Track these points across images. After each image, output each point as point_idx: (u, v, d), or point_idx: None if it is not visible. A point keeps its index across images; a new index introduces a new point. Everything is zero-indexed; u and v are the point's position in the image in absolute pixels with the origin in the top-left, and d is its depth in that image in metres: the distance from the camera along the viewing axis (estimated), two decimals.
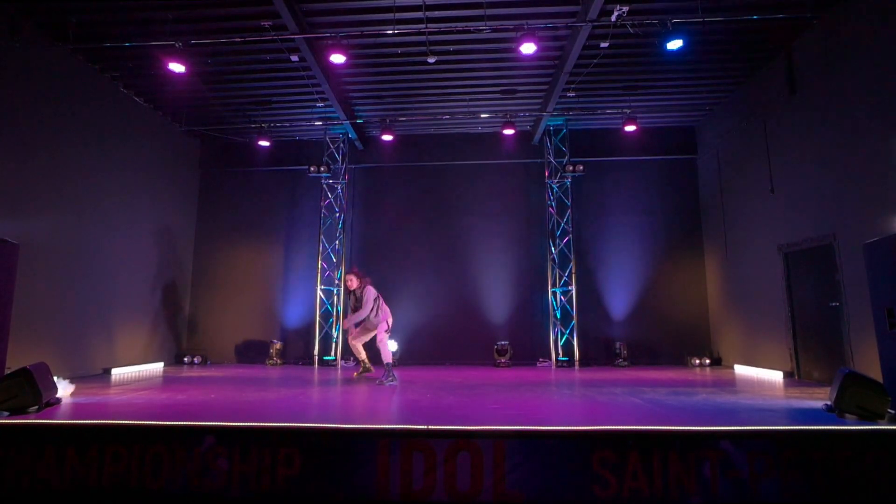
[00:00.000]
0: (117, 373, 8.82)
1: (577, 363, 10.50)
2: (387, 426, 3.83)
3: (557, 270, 10.99)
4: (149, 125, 10.40)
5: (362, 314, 7.39)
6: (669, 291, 11.11)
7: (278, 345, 11.05)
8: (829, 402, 4.95)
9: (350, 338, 7.77)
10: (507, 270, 11.44)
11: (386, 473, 3.60)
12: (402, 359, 10.80)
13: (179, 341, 11.34)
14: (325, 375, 8.82)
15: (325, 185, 11.49)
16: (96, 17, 7.53)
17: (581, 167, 10.77)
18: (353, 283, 7.50)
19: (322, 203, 11.50)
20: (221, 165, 12.12)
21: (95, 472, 3.77)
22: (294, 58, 8.48)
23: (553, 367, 10.48)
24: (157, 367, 10.07)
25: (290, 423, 4.02)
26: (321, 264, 11.31)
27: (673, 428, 3.81)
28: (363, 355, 7.85)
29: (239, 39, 7.93)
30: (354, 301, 7.53)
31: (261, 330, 11.54)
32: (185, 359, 10.91)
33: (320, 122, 11.00)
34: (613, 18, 7.21)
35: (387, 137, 10.70)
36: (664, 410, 4.97)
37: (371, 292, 7.46)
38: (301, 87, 9.64)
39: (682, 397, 5.87)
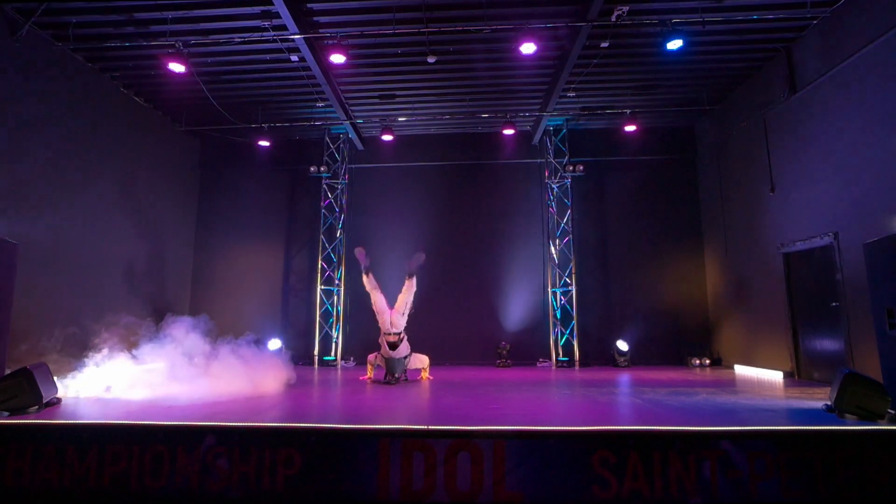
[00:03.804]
0: None
1: (577, 363, 10.50)
2: (387, 426, 3.83)
3: (557, 270, 10.99)
4: (149, 125, 10.40)
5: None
6: (669, 291, 11.10)
7: (278, 345, 11.04)
8: (829, 402, 4.95)
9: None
10: (507, 270, 11.44)
11: (386, 473, 3.59)
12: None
13: None
14: (325, 376, 8.82)
15: (325, 185, 11.49)
16: (96, 17, 7.54)
17: (581, 167, 10.77)
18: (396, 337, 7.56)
19: (322, 203, 11.50)
20: (221, 165, 12.12)
21: (95, 472, 3.76)
22: (294, 58, 8.48)
23: (553, 367, 10.48)
24: (156, 368, 10.04)
25: (290, 423, 4.02)
26: (321, 264, 11.31)
27: (673, 428, 3.80)
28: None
29: (239, 39, 7.94)
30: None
31: (260, 330, 11.52)
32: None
33: (320, 122, 11.00)
34: (613, 18, 7.22)
35: (387, 137, 10.71)
36: (664, 410, 4.97)
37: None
38: (301, 87, 9.64)
39: (682, 397, 5.87)
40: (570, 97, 9.85)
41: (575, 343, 10.64)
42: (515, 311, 11.30)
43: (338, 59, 7.66)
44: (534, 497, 3.52)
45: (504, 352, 10.60)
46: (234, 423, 3.92)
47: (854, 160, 6.88)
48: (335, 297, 11.26)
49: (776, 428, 3.82)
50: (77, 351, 6.58)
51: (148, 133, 10.36)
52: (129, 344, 6.70)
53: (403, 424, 3.95)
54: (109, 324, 6.77)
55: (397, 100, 10.24)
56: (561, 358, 10.57)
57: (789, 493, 3.52)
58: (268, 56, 8.56)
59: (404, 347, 7.58)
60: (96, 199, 8.93)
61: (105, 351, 6.39)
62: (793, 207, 8.17)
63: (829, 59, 7.35)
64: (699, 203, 11.35)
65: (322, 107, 10.34)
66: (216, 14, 7.51)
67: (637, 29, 7.59)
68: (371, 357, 7.94)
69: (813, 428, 3.84)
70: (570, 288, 10.86)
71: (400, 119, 10.92)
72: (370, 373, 7.83)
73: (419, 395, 6.20)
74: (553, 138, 11.27)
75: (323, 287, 11.22)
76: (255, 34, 7.80)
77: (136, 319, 7.08)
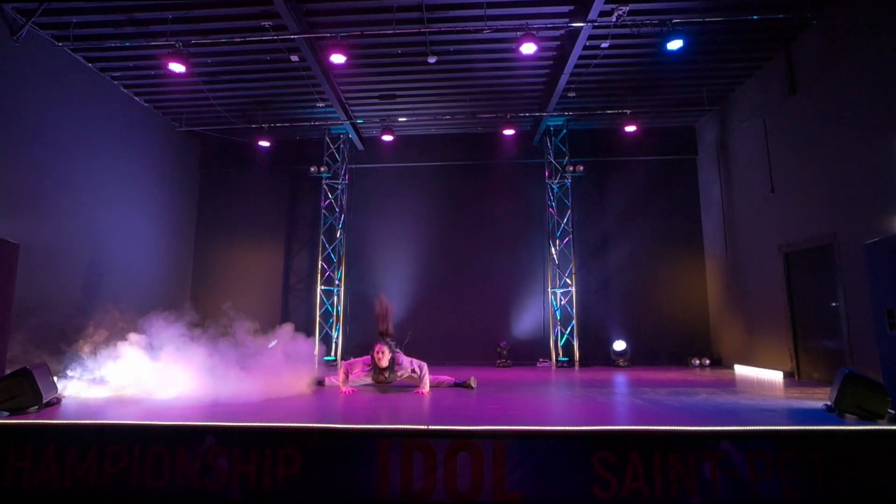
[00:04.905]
0: None
1: (577, 363, 10.50)
2: (387, 426, 3.83)
3: (557, 270, 10.99)
4: (149, 125, 10.40)
5: (426, 377, 6.31)
6: (669, 291, 11.10)
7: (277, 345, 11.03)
8: (829, 402, 4.95)
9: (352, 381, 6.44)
10: (507, 271, 11.44)
11: (386, 473, 3.59)
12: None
13: None
14: (324, 376, 8.79)
15: (325, 186, 11.50)
16: (96, 17, 7.54)
17: (581, 167, 10.78)
18: (386, 356, 6.22)
19: (322, 203, 11.50)
20: (221, 165, 12.12)
21: (95, 472, 3.76)
22: (294, 58, 8.48)
23: (553, 367, 10.48)
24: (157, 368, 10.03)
25: (290, 423, 4.02)
26: (321, 264, 11.31)
27: (673, 428, 3.80)
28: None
29: (239, 39, 7.94)
30: (389, 374, 6.33)
31: (260, 330, 11.51)
32: None
33: (320, 123, 11.00)
34: (613, 19, 7.22)
35: (387, 137, 10.72)
36: (664, 410, 4.97)
37: (403, 357, 6.39)
38: (301, 87, 9.64)
39: (682, 397, 5.86)
40: (570, 97, 9.85)
41: (575, 343, 10.64)
42: (515, 311, 11.31)
43: (338, 59, 7.67)
44: (534, 497, 3.51)
45: (504, 352, 10.60)
46: (234, 423, 3.92)
47: (853, 160, 6.88)
48: (335, 298, 11.26)
49: (776, 428, 3.81)
50: (86, 350, 6.55)
51: (148, 133, 10.36)
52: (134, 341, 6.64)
53: (403, 424, 3.94)
54: (118, 323, 6.73)
55: (397, 100, 10.24)
56: (561, 358, 10.57)
57: (789, 493, 3.52)
58: (268, 56, 8.56)
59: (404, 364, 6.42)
60: (96, 199, 8.93)
61: (127, 348, 6.34)
62: (793, 207, 8.17)
63: (829, 59, 7.35)
64: (699, 203, 11.36)
65: (322, 107, 10.34)
66: (216, 14, 7.51)
67: (637, 29, 7.58)
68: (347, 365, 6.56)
69: (813, 428, 3.84)
70: (570, 288, 10.86)
71: (400, 119, 10.92)
72: (343, 381, 6.37)
73: (419, 395, 6.19)
74: (553, 138, 11.26)
75: (323, 287, 11.22)
76: (255, 34, 7.80)
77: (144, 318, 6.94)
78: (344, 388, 6.29)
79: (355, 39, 7.93)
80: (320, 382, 6.82)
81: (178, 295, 11.34)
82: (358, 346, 10.95)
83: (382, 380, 6.41)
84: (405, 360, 6.39)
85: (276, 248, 11.92)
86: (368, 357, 6.42)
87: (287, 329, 6.94)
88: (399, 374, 6.36)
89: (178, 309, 10.28)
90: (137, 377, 6.14)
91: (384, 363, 6.21)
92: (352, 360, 6.71)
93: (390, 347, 6.34)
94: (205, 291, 11.74)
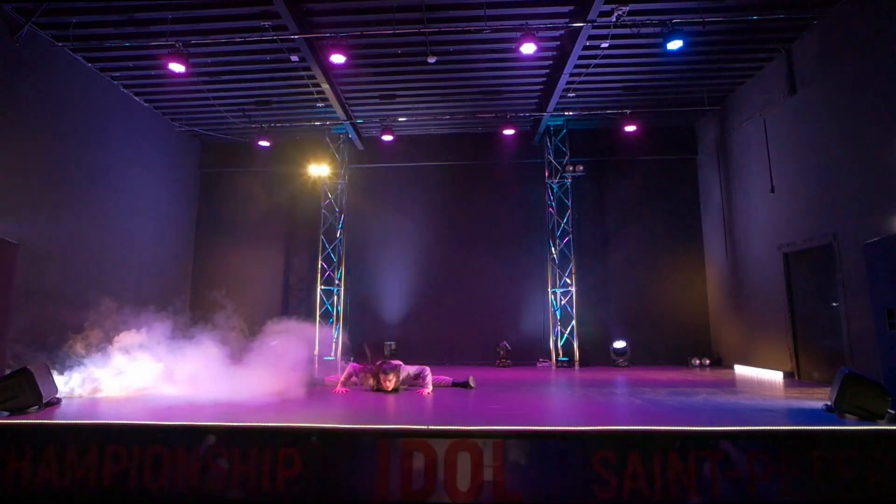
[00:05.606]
0: None
1: (577, 363, 10.50)
2: (387, 426, 3.82)
3: (557, 270, 10.99)
4: (149, 125, 10.40)
5: (430, 379, 6.42)
6: (669, 291, 11.10)
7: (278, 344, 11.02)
8: (829, 402, 4.95)
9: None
10: (507, 271, 11.44)
11: (386, 473, 3.59)
12: (402, 359, 10.77)
13: None
14: (324, 376, 8.79)
15: (325, 185, 11.49)
16: (96, 17, 7.54)
17: (581, 167, 10.77)
18: (392, 382, 6.27)
19: (322, 203, 11.50)
20: (221, 165, 12.12)
21: (95, 472, 3.76)
22: (294, 58, 8.48)
23: (553, 367, 10.48)
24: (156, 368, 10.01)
25: (290, 423, 4.02)
26: (321, 264, 11.31)
27: (673, 428, 3.80)
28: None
29: (239, 39, 7.94)
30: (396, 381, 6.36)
31: (260, 330, 11.51)
32: None
33: (320, 122, 11.00)
34: (613, 19, 7.22)
35: (387, 137, 10.72)
36: (664, 410, 4.97)
37: (405, 368, 6.53)
38: (301, 87, 9.64)
39: (682, 397, 5.86)
40: (570, 97, 9.85)
41: (575, 343, 10.64)
42: (515, 311, 11.31)
43: (338, 59, 7.67)
44: (534, 497, 3.51)
45: (504, 352, 10.60)
46: (234, 423, 3.92)
47: (853, 160, 6.88)
48: (335, 297, 11.26)
49: (776, 428, 3.81)
50: (88, 349, 6.53)
51: (148, 133, 10.36)
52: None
53: (403, 424, 3.94)
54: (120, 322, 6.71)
55: (397, 100, 10.24)
56: (561, 358, 10.57)
57: (789, 493, 3.52)
58: (268, 56, 8.56)
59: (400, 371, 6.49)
60: (96, 199, 8.93)
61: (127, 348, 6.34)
62: (793, 207, 8.17)
63: (829, 58, 7.35)
64: (699, 203, 11.36)
65: (322, 107, 10.34)
66: (216, 14, 7.51)
67: (637, 29, 7.58)
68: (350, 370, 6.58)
69: (813, 428, 3.84)
70: (570, 288, 10.86)
71: (400, 119, 10.92)
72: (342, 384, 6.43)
73: (419, 395, 6.18)
74: (553, 138, 11.26)
75: (323, 287, 11.22)
76: (255, 34, 7.80)
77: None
78: (339, 388, 6.32)
79: (355, 39, 7.93)
80: (320, 382, 6.87)
81: (177, 295, 11.33)
82: (358, 345, 10.95)
83: (382, 388, 6.37)
84: (409, 369, 6.52)
85: (276, 247, 11.92)
86: (372, 369, 6.41)
87: (279, 326, 6.91)
88: (401, 383, 6.41)
89: (177, 309, 10.29)
90: (137, 377, 6.14)
91: (390, 388, 6.24)
92: (357, 367, 6.64)
93: (396, 371, 6.31)
94: (205, 291, 11.71)
